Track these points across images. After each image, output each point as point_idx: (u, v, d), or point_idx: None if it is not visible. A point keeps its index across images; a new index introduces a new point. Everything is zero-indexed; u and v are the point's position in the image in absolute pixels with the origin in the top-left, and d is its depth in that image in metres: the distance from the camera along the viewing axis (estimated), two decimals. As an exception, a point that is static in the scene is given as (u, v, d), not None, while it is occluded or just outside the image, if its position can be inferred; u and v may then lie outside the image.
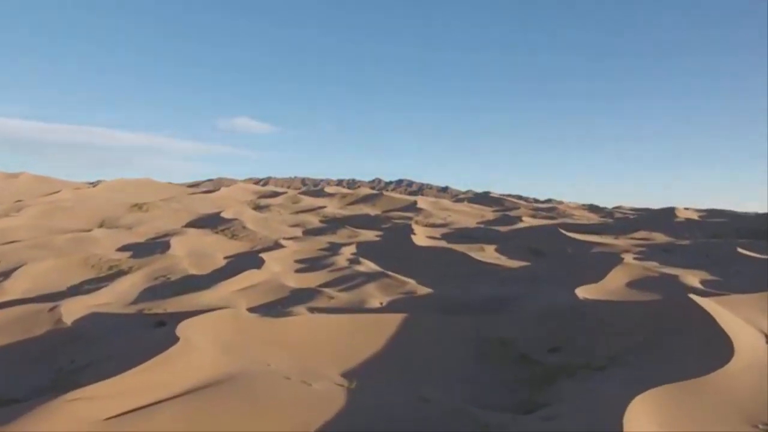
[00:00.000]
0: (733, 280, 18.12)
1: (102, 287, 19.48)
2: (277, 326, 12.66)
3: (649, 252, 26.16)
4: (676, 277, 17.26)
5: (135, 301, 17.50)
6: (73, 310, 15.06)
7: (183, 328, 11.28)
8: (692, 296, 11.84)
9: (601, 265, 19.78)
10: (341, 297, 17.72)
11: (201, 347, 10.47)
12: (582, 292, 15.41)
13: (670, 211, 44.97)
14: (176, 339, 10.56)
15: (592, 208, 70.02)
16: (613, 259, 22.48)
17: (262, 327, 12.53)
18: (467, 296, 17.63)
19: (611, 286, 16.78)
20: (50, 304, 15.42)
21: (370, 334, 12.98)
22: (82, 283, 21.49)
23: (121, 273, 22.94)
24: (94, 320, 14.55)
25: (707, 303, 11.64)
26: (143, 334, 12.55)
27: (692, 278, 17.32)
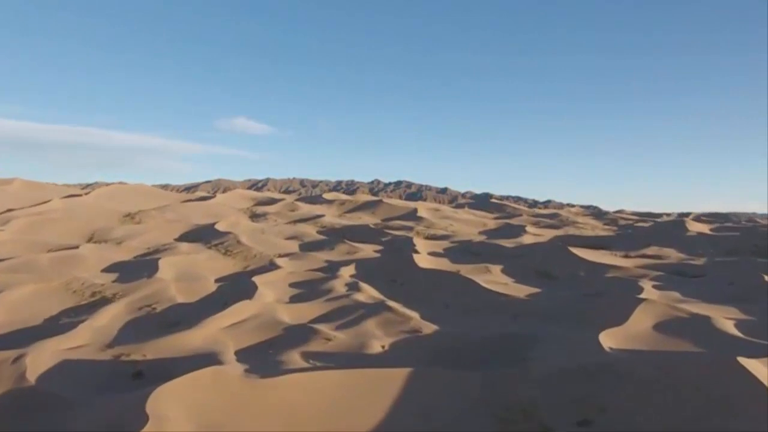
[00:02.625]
0: (766, 319, 16.64)
1: (80, 322, 17.92)
2: (263, 390, 11.13)
3: (667, 278, 24.67)
4: (707, 319, 15.72)
5: (112, 343, 15.94)
6: (41, 360, 13.51)
7: (155, 401, 9.76)
8: (742, 360, 10.34)
9: (620, 300, 18.23)
10: (339, 338, 16.18)
11: (173, 430, 8.95)
12: (607, 339, 13.89)
13: (680, 224, 43.45)
14: (146, 419, 9.06)
15: (595, 213, 68.60)
16: (631, 289, 21.00)
17: (247, 391, 10.99)
18: (476, 337, 16.12)
19: (637, 329, 15.25)
20: (16, 352, 13.87)
21: (370, 395, 11.47)
22: (60, 314, 19.95)
23: (103, 301, 21.40)
24: (62, 374, 13.00)
25: (760, 369, 10.14)
26: (112, 401, 10.98)
27: (725, 321, 15.79)
